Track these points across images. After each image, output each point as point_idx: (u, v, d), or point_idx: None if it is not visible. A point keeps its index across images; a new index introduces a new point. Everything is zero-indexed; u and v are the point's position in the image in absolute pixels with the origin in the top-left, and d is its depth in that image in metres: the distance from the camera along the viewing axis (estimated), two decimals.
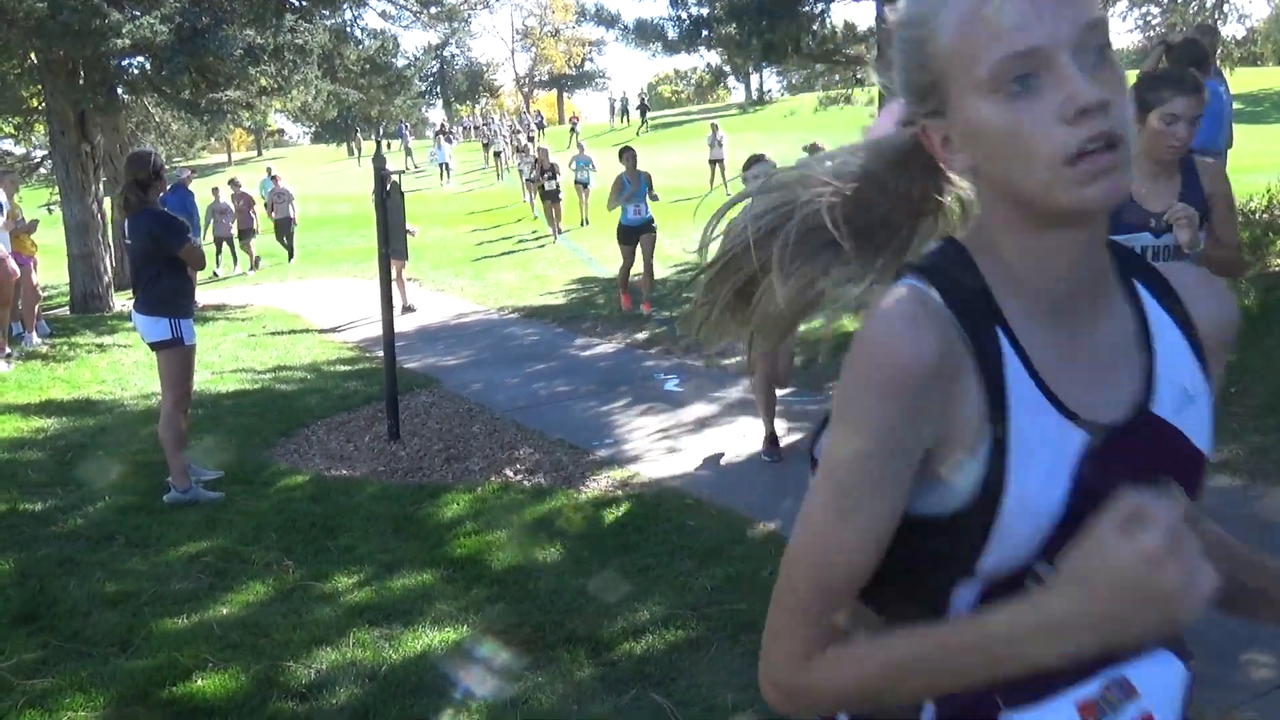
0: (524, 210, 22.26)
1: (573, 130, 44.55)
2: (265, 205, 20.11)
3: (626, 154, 10.89)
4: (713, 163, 23.94)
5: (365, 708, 3.24)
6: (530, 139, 29.85)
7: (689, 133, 40.90)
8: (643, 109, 54.81)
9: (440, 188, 32.48)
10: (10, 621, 3.91)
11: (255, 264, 18.95)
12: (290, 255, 19.40)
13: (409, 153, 41.58)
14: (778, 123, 39.22)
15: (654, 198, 10.89)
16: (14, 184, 11.33)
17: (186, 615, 3.98)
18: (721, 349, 1.21)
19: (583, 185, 20.03)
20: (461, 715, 3.16)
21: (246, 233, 18.77)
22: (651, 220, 10.75)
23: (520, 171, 23.64)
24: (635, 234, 10.66)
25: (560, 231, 18.10)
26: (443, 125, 48.06)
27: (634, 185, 10.62)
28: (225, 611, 4.02)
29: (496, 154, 33.06)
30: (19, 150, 19.76)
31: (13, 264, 9.63)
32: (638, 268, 10.85)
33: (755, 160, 13.99)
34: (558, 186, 18.00)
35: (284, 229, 19.38)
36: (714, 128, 24.53)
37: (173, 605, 4.07)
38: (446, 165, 34.35)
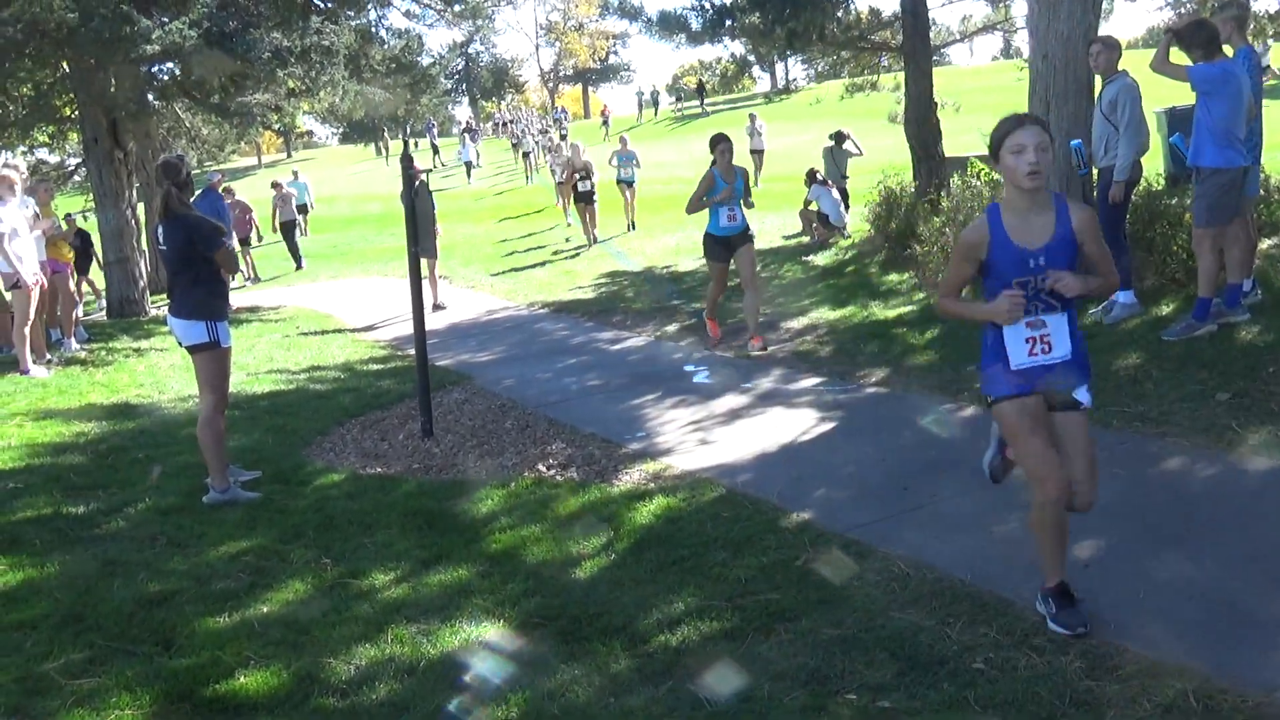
0: (557, 214, 20.87)
1: (604, 124, 44.57)
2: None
3: (721, 143, 8.48)
4: (753, 153, 22.92)
5: (405, 703, 3.28)
6: (563, 136, 29.52)
7: (717, 123, 40.78)
8: (700, 88, 54.40)
9: (468, 185, 32.62)
10: (57, 622, 3.98)
11: (256, 276, 18.54)
12: (297, 263, 18.95)
13: (436, 151, 41.80)
14: (804, 111, 38.95)
15: (749, 204, 8.49)
16: (49, 192, 11.52)
17: (228, 614, 4.04)
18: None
19: (627, 184, 18.02)
20: (499, 708, 3.19)
21: (244, 241, 18.46)
22: (749, 228, 8.55)
23: (552, 172, 22.12)
24: (729, 246, 8.46)
25: (596, 239, 16.82)
26: (468, 123, 48.21)
27: (729, 182, 8.30)
28: (266, 609, 4.08)
29: (525, 154, 32.41)
30: (54, 159, 20.11)
31: (41, 274, 9.78)
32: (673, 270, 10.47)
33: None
34: (592, 187, 16.75)
35: (287, 233, 19.21)
36: (752, 118, 23.80)
37: (214, 604, 4.13)
38: (471, 163, 34.38)
